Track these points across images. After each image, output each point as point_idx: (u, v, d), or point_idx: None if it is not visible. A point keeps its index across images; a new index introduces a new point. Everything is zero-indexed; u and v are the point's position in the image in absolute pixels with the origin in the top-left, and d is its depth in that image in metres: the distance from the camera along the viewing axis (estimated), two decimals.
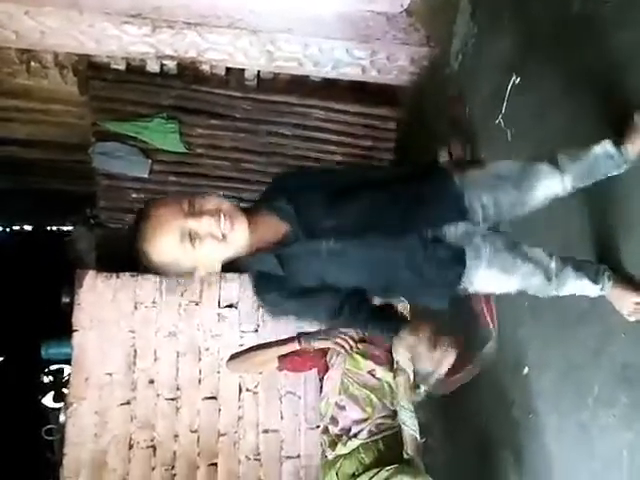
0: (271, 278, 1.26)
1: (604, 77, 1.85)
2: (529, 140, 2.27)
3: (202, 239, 1.15)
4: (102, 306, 3.28)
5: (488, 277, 1.43)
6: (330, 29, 3.02)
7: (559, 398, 2.04)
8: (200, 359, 3.29)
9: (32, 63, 3.46)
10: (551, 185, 1.45)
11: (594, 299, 1.82)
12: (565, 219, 1.93)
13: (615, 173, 1.56)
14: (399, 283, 1.37)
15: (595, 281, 1.58)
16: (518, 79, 2.34)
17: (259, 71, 3.40)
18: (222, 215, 1.15)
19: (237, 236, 1.18)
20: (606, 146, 1.50)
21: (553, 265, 1.50)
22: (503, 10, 2.46)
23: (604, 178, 1.55)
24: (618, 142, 1.51)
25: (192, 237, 1.14)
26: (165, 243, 1.15)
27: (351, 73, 3.24)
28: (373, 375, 2.39)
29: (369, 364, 2.39)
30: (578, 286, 1.58)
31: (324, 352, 2.50)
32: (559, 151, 1.49)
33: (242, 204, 1.33)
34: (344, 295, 1.29)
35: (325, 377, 2.50)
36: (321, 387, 2.56)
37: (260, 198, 1.37)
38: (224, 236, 1.16)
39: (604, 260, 1.72)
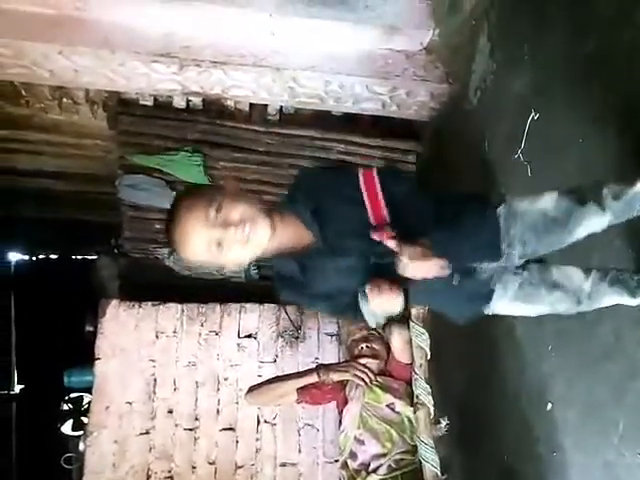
0: (292, 279, 1.31)
1: (621, 114, 1.87)
2: (549, 175, 2.28)
3: (228, 246, 1.19)
4: (124, 335, 3.33)
5: (512, 308, 1.46)
6: (351, 66, 3.10)
7: (584, 435, 1.99)
8: (219, 389, 3.29)
9: (64, 99, 3.62)
10: (593, 225, 1.41)
11: (620, 335, 1.81)
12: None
13: None
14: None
15: (634, 294, 1.50)
16: (537, 115, 2.37)
17: (282, 106, 3.50)
18: (247, 224, 1.19)
19: (261, 240, 1.23)
20: None
21: (587, 286, 1.46)
22: (521, 48, 2.51)
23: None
24: None
25: (219, 244, 1.19)
26: (193, 249, 1.22)
27: (371, 108, 3.32)
28: (392, 409, 2.37)
29: (388, 397, 2.37)
30: (613, 301, 1.52)
31: (343, 385, 2.49)
32: (602, 185, 1.41)
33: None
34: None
35: (344, 410, 2.49)
36: (340, 420, 2.54)
37: (288, 196, 1.36)
38: (249, 240, 1.20)
39: None
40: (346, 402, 2.49)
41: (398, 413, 2.37)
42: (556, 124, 2.26)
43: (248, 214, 1.21)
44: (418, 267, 1.19)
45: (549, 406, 2.18)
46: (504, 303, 1.43)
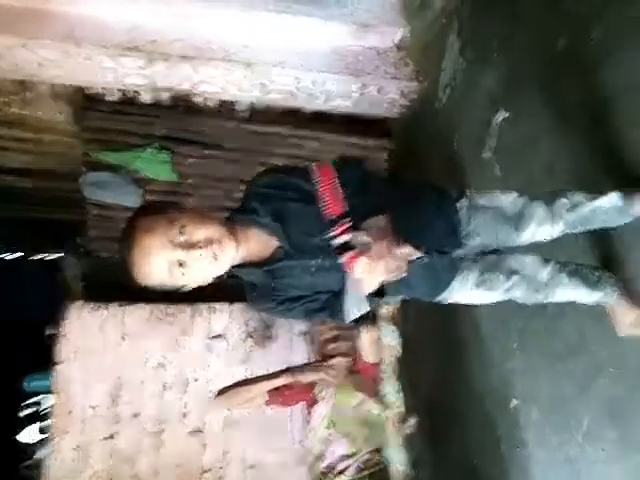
0: (262, 288, 1.28)
1: (589, 112, 1.88)
2: (518, 173, 2.29)
3: (192, 267, 1.14)
4: (88, 337, 3.23)
5: (471, 295, 1.47)
6: (322, 63, 3.07)
7: (547, 432, 2.00)
8: (186, 391, 3.22)
9: (28, 93, 3.50)
10: (541, 232, 1.46)
11: (583, 333, 1.81)
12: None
13: (614, 226, 1.55)
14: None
15: (594, 289, 1.54)
16: (506, 113, 2.38)
17: (252, 102, 3.44)
18: (212, 244, 1.15)
19: (227, 257, 1.19)
20: (613, 199, 1.46)
21: (544, 275, 1.49)
22: (491, 46, 2.52)
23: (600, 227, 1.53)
24: (626, 196, 1.47)
25: (180, 264, 1.13)
26: (153, 272, 1.14)
27: (343, 105, 3.29)
28: (362, 408, 2.35)
29: (357, 396, 2.35)
30: (573, 294, 1.54)
31: (312, 385, 2.46)
32: (562, 194, 1.47)
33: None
34: (331, 295, 1.29)
35: (313, 411, 2.46)
36: (309, 421, 2.51)
37: (244, 207, 1.31)
38: (215, 259, 1.16)
39: (610, 266, 1.67)
40: (315, 402, 2.46)
41: (367, 412, 2.35)
42: (525, 122, 2.27)
43: (213, 234, 1.17)
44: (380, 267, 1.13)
45: (514, 403, 2.19)
46: (465, 290, 1.44)
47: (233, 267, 1.25)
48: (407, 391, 2.28)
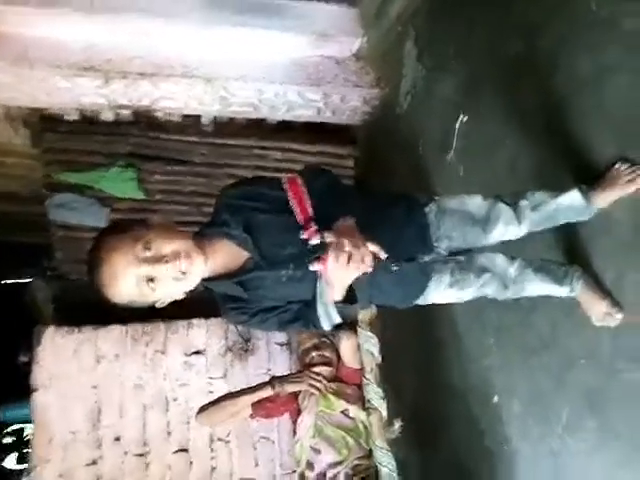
0: (235, 299, 1.28)
1: (546, 113, 1.96)
2: (480, 175, 2.36)
3: (161, 282, 1.14)
4: (62, 362, 3.16)
5: (445, 295, 1.53)
6: (283, 74, 3.09)
7: (529, 426, 2.07)
8: (168, 410, 3.19)
9: None
10: (509, 232, 1.53)
11: (556, 325, 1.89)
12: None
13: (577, 221, 1.63)
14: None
15: (561, 283, 1.62)
16: (466, 117, 2.45)
17: (215, 116, 3.43)
18: (179, 258, 1.15)
19: (196, 271, 1.19)
20: (574, 196, 1.55)
21: (511, 271, 1.57)
22: (448, 52, 2.58)
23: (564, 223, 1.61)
24: (585, 192, 1.56)
25: (149, 280, 1.14)
26: (123, 288, 1.14)
27: (306, 115, 3.32)
28: (346, 415, 2.38)
29: (342, 404, 2.38)
30: (541, 288, 1.62)
31: (296, 395, 2.48)
32: (524, 195, 1.55)
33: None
34: (303, 305, 1.30)
35: (298, 420, 2.47)
36: (294, 431, 2.52)
37: (213, 219, 1.32)
38: (183, 274, 1.16)
39: (576, 261, 1.74)
40: (299, 412, 2.48)
41: (352, 419, 2.38)
42: (485, 125, 2.34)
43: (180, 248, 1.17)
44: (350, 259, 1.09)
45: (495, 399, 2.26)
46: (440, 292, 1.50)
47: (204, 280, 1.25)
48: (391, 395, 2.32)
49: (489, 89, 2.31)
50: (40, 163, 3.46)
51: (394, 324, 2.71)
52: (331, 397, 2.41)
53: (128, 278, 1.13)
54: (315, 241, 1.19)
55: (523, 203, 1.54)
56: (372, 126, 3.37)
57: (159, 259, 1.14)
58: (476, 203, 1.52)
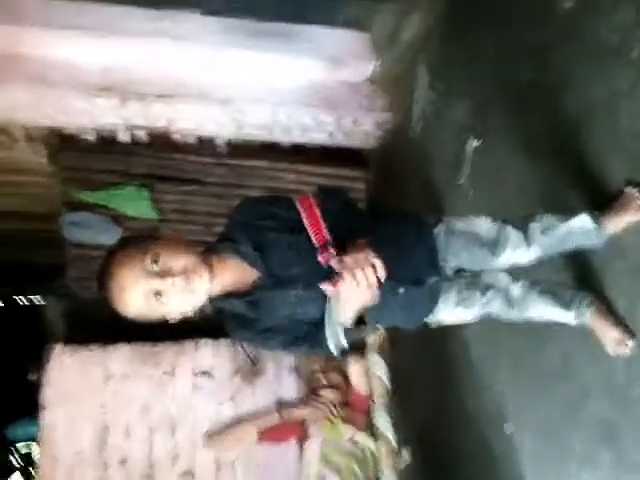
0: (242, 318, 1.27)
1: (556, 137, 1.95)
2: (491, 198, 2.35)
3: (168, 296, 1.14)
4: (71, 381, 3.16)
5: (453, 314, 1.51)
6: (296, 97, 3.12)
7: (543, 463, 2.00)
8: (175, 433, 3.16)
9: (1, 136, 3.47)
10: (517, 256, 1.51)
11: (570, 354, 1.84)
12: None
13: (588, 246, 1.59)
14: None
15: (567, 308, 1.58)
16: (477, 142, 2.44)
17: (229, 138, 3.47)
18: (188, 273, 1.15)
19: (203, 286, 1.18)
20: (584, 220, 1.52)
21: (515, 291, 1.55)
22: (459, 77, 2.60)
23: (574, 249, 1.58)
24: (596, 216, 1.53)
25: (157, 294, 1.14)
26: (132, 302, 1.15)
27: (319, 138, 3.35)
28: (354, 442, 2.34)
29: (349, 431, 2.34)
30: (546, 311, 1.58)
31: (303, 420, 2.44)
32: (534, 219, 1.53)
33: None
34: (311, 326, 1.28)
35: (305, 446, 2.44)
36: (301, 456, 2.49)
37: (224, 235, 1.31)
38: (189, 289, 1.15)
39: (587, 287, 1.70)
40: (307, 438, 2.44)
41: (360, 446, 2.34)
42: (496, 150, 2.33)
43: (187, 263, 1.17)
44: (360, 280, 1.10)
45: (507, 429, 2.20)
46: (448, 311, 1.49)
47: (212, 297, 1.24)
48: (399, 422, 2.28)
49: (500, 114, 2.31)
50: (57, 181, 3.52)
51: (404, 348, 2.67)
52: (338, 424, 2.38)
53: (136, 292, 1.13)
54: (333, 264, 1.17)
55: (533, 226, 1.52)
56: (384, 149, 3.38)
57: (166, 273, 1.13)
58: (485, 225, 1.51)
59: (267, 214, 1.30)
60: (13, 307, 5.56)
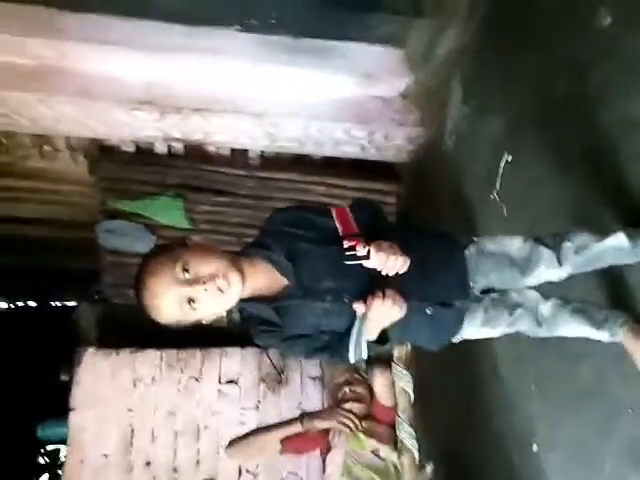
0: (268, 322, 1.29)
1: (591, 153, 1.93)
2: (524, 215, 2.32)
3: (200, 302, 1.17)
4: (101, 384, 3.23)
5: (479, 332, 1.51)
6: (329, 112, 3.17)
7: (570, 478, 1.95)
8: (199, 438, 3.18)
9: (45, 147, 3.62)
10: (549, 274, 1.49)
11: (602, 373, 1.80)
12: None
13: (623, 264, 1.56)
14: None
15: (600, 328, 1.53)
16: (510, 157, 2.43)
17: (262, 150, 3.54)
18: (217, 279, 1.17)
19: (234, 290, 1.20)
20: (620, 238, 1.47)
21: (545, 310, 1.52)
22: (493, 92, 2.60)
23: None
24: (632, 235, 1.49)
25: (190, 301, 1.17)
26: (166, 311, 1.19)
27: (351, 152, 3.38)
28: (377, 455, 2.32)
29: (372, 443, 2.33)
30: (578, 330, 1.55)
31: (326, 431, 2.44)
32: (567, 237, 1.49)
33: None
34: (334, 336, 1.32)
35: (328, 458, 2.42)
36: (324, 468, 2.47)
37: (259, 242, 1.33)
38: (221, 293, 1.18)
39: (621, 304, 1.66)
40: (330, 449, 2.43)
41: (383, 459, 2.32)
42: (529, 166, 2.31)
43: (218, 268, 1.19)
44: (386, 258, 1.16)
45: (535, 447, 2.15)
46: (473, 330, 1.48)
47: (241, 300, 1.26)
48: (423, 436, 2.25)
49: (534, 130, 2.29)
50: (96, 191, 3.65)
51: (430, 362, 2.64)
52: (362, 436, 2.36)
53: (169, 300, 1.17)
54: (360, 251, 1.18)
55: (566, 245, 1.48)
56: (417, 163, 3.39)
57: (197, 280, 1.16)
58: (516, 245, 1.49)
59: (303, 223, 1.32)
60: (48, 309, 5.74)
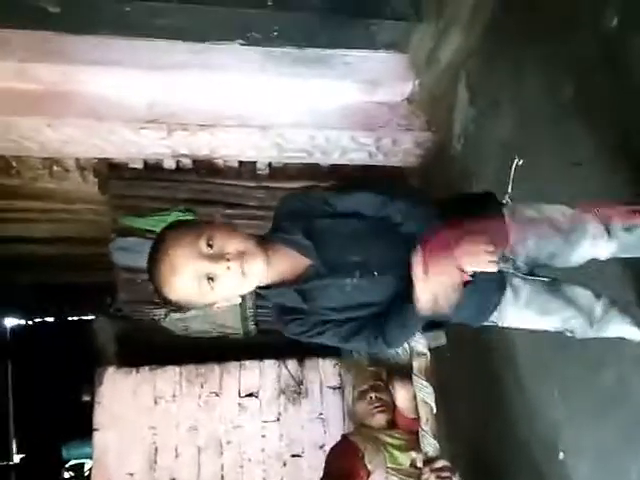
0: (293, 310, 1.23)
1: (602, 159, 1.90)
2: None
3: (221, 280, 1.10)
4: (122, 403, 3.26)
5: (524, 316, 1.39)
6: (335, 120, 3.15)
7: None
8: (222, 453, 3.20)
9: (54, 167, 3.65)
10: (598, 248, 1.38)
11: (624, 378, 1.78)
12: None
13: None
14: None
15: None
16: (521, 160, 2.40)
17: (270, 162, 3.54)
18: (242, 257, 1.10)
19: (256, 273, 1.14)
20: None
21: (598, 310, 1.43)
22: (500, 95, 2.56)
23: None
24: None
25: (209, 278, 1.09)
26: (181, 285, 1.10)
27: (358, 158, 3.36)
28: (415, 466, 2.32)
29: (409, 455, 2.33)
30: (622, 331, 1.48)
31: (361, 457, 2.40)
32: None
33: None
34: (369, 318, 1.23)
35: None
36: None
37: (274, 227, 1.26)
38: (243, 274, 1.11)
39: None
40: (369, 474, 2.40)
41: (419, 469, 2.30)
42: (540, 168, 2.28)
43: (243, 247, 1.11)
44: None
45: (561, 455, 2.13)
46: (517, 310, 1.37)
47: (262, 288, 1.21)
48: (448, 446, 2.24)
49: (544, 132, 2.27)
50: (107, 208, 3.67)
51: (451, 372, 2.63)
52: (394, 452, 2.36)
53: (187, 273, 1.08)
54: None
55: (615, 222, 1.37)
56: (425, 167, 3.36)
57: (221, 257, 1.09)
58: (561, 211, 1.38)
59: (318, 200, 1.24)
60: (67, 326, 5.79)
